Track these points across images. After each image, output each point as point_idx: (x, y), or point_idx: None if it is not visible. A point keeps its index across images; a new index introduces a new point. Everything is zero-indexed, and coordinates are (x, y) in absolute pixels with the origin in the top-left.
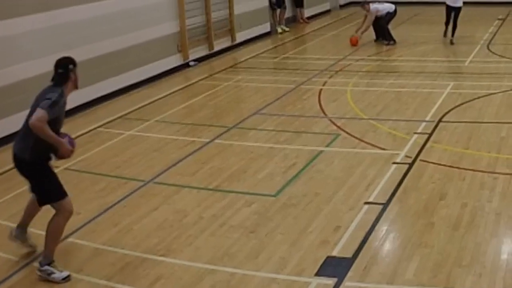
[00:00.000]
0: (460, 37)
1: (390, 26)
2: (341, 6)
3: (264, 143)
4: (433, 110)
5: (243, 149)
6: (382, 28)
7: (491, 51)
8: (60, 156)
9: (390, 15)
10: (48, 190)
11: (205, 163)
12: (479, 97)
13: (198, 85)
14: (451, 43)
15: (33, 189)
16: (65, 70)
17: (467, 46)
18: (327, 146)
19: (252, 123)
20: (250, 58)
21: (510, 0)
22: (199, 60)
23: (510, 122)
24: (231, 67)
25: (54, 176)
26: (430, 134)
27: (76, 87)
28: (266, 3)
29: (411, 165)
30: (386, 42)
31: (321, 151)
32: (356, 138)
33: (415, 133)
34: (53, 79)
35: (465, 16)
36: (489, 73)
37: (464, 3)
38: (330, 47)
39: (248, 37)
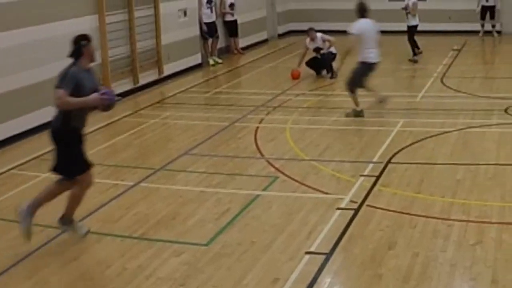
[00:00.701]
0: (412, 70)
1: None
2: (280, 36)
3: (194, 187)
4: (381, 150)
5: (172, 193)
6: (325, 60)
7: (445, 85)
8: (102, 109)
9: (333, 56)
10: (68, 164)
11: (130, 209)
12: (432, 136)
13: (121, 123)
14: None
15: (56, 159)
16: (77, 45)
17: (419, 80)
18: (264, 189)
19: (181, 165)
20: (179, 92)
21: (466, 29)
22: (123, 94)
23: (466, 164)
24: (158, 102)
25: (79, 151)
26: (378, 177)
27: (91, 60)
28: (197, 32)
29: (357, 210)
30: (329, 75)
31: (258, 196)
32: (296, 181)
33: (362, 175)
34: (70, 55)
35: None
36: (443, 109)
37: (417, 32)
38: (268, 80)
39: (177, 69)
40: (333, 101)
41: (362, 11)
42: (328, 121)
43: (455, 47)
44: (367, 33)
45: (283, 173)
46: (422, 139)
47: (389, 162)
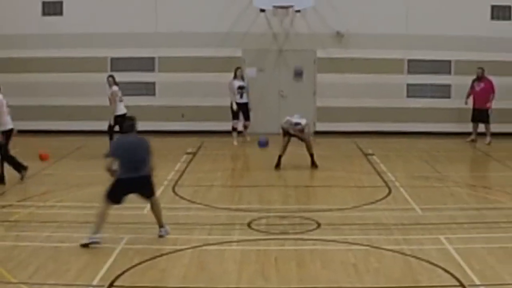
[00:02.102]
0: None
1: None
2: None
3: None
4: (102, 272)
5: None
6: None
7: (177, 194)
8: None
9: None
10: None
11: None
12: (162, 255)
13: None
14: None
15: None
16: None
17: None
18: None
19: None
20: None
21: (203, 128)
22: None
23: None
24: None
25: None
26: None
27: None
28: None
29: None
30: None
31: None
32: None
33: None
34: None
35: None
36: (175, 223)
37: (140, 132)
38: None
39: None
40: (45, 213)
41: None
42: (39, 237)
43: (190, 150)
44: None
45: None
46: (152, 258)
47: (111, 285)
